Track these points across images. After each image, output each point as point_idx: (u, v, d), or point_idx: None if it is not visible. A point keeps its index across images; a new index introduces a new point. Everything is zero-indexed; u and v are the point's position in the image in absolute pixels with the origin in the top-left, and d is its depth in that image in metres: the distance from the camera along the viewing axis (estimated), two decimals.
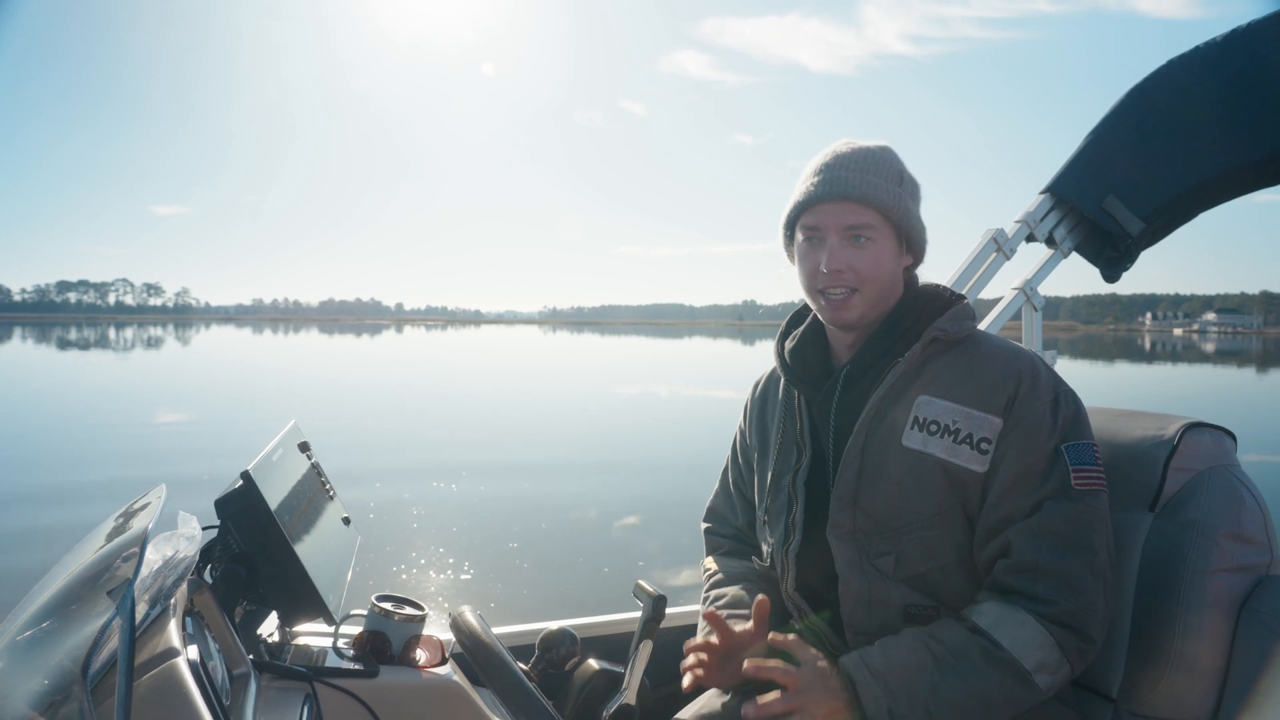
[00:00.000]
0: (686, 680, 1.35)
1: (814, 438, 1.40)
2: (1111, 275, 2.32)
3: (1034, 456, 1.24)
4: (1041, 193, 2.27)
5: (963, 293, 2.23)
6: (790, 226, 1.40)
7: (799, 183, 1.39)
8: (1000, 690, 1.18)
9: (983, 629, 1.21)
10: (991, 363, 1.31)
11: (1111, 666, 1.36)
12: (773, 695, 1.17)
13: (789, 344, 1.48)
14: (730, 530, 1.63)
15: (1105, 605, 1.22)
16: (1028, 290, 2.32)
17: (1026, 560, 1.22)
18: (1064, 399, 1.28)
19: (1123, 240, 2.23)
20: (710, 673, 1.35)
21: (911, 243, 1.38)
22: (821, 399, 1.40)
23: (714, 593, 1.54)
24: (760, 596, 1.32)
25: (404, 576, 5.54)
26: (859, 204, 1.31)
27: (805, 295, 1.40)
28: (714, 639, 1.34)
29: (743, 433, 1.62)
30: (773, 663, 1.18)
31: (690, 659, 1.35)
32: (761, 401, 1.58)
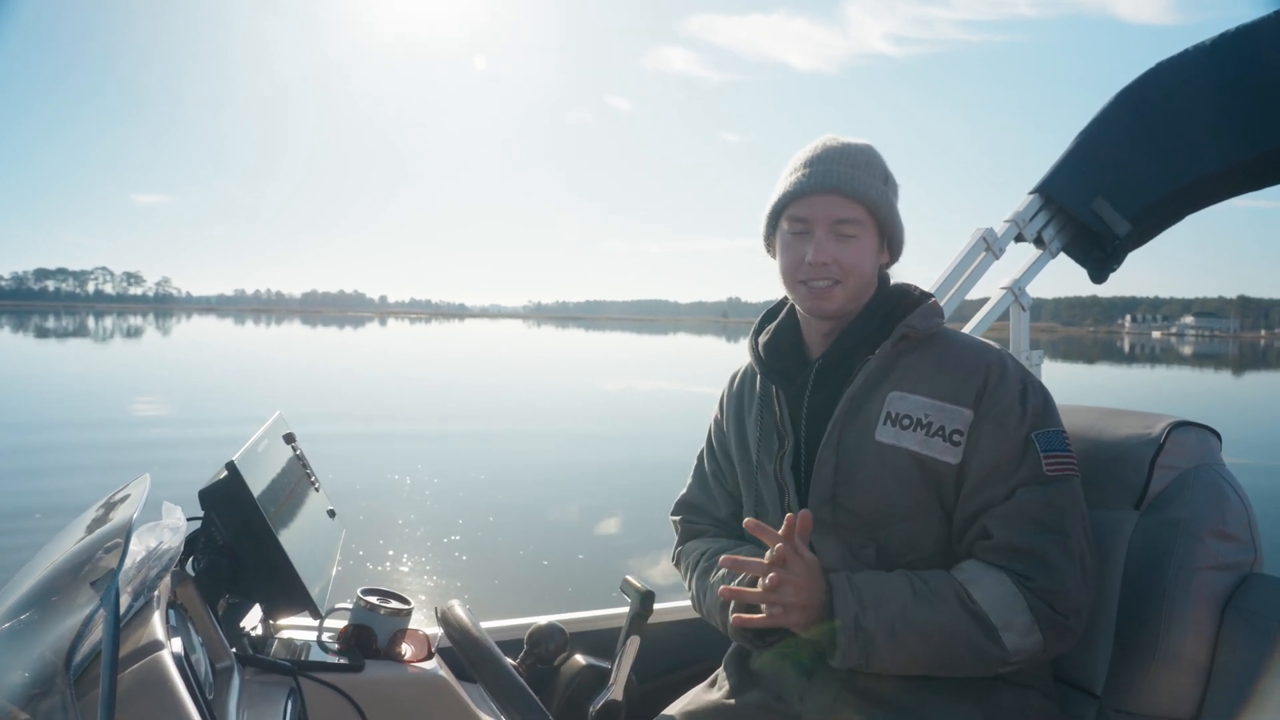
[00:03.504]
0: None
1: (793, 426, 1.42)
2: (1099, 276, 2.33)
3: (1006, 446, 1.27)
4: (1031, 193, 2.28)
5: (950, 292, 2.26)
6: (775, 217, 1.40)
7: (785, 174, 1.39)
8: (966, 637, 1.22)
9: (959, 581, 1.25)
10: (960, 357, 1.34)
11: (1096, 663, 1.37)
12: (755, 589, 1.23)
13: (763, 338, 1.49)
14: (709, 522, 1.61)
15: (1082, 585, 1.24)
16: (1016, 290, 2.33)
17: (1003, 542, 1.25)
18: (1031, 389, 1.31)
19: (1110, 241, 2.24)
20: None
21: (892, 241, 1.40)
22: (795, 392, 1.41)
23: (716, 545, 1.52)
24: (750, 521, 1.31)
25: (390, 570, 5.52)
26: (848, 198, 1.33)
27: (785, 285, 1.41)
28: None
29: (718, 424, 1.62)
30: (769, 553, 1.23)
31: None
32: (739, 394, 1.58)
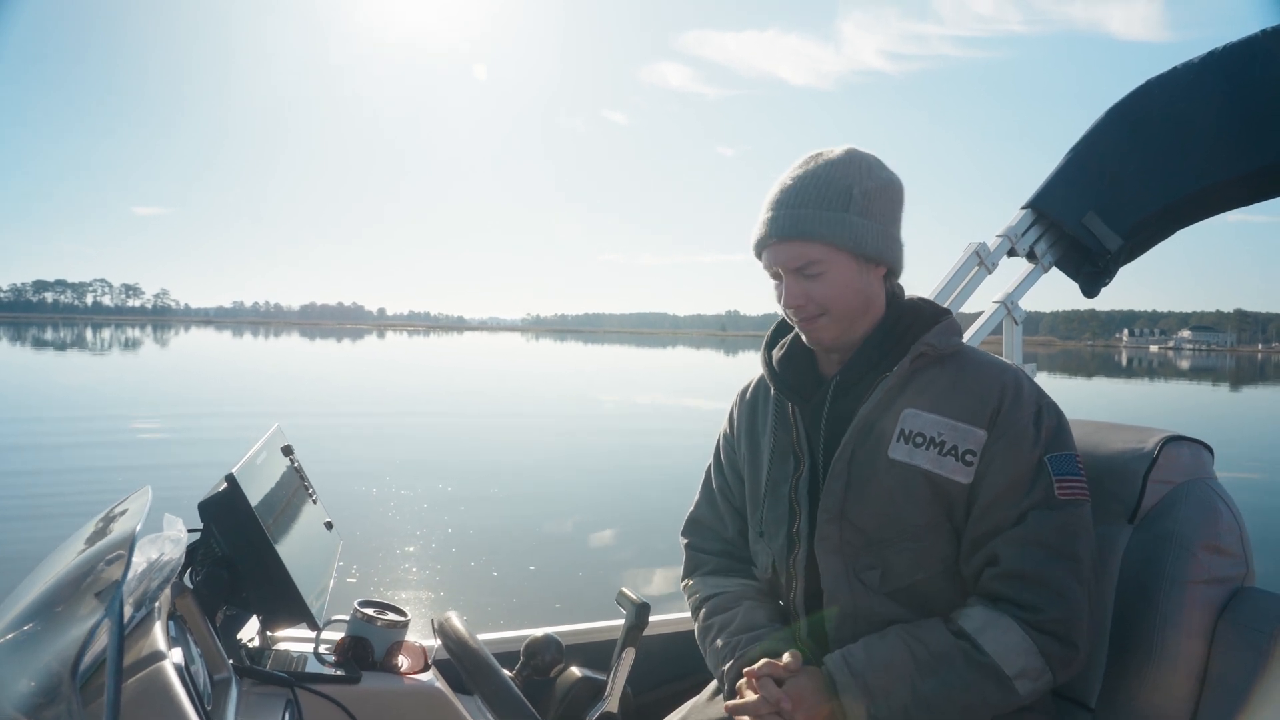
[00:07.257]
0: None
1: (809, 446, 1.40)
2: (1091, 291, 2.35)
3: (1019, 468, 1.26)
4: (1023, 208, 2.30)
5: (945, 306, 2.27)
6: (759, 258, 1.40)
7: (759, 212, 1.38)
8: (980, 695, 1.21)
9: (967, 633, 1.24)
10: (976, 376, 1.33)
11: (1090, 677, 1.37)
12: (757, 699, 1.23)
13: (777, 353, 1.47)
14: (717, 545, 1.58)
15: (1089, 613, 1.24)
16: (1009, 304, 2.35)
17: (1014, 568, 1.24)
18: (1046, 411, 1.30)
19: (1101, 256, 2.26)
20: None
21: (875, 258, 1.33)
22: (812, 410, 1.40)
23: (719, 619, 1.46)
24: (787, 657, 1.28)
25: (386, 582, 5.50)
26: (801, 242, 1.30)
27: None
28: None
29: (728, 439, 1.59)
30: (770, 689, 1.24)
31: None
32: (751, 409, 1.55)
